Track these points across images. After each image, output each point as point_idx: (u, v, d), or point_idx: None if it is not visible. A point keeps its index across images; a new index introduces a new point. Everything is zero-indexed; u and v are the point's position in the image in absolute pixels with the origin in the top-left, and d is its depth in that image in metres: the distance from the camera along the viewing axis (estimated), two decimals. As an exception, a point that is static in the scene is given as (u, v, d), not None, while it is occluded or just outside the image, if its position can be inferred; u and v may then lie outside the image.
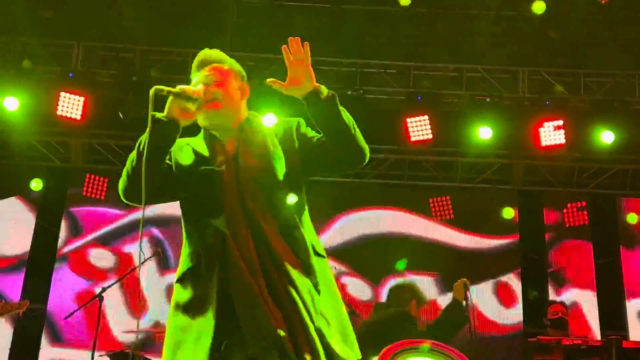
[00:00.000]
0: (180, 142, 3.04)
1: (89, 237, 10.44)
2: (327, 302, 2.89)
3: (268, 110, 9.36)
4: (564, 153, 10.16)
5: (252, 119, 3.15)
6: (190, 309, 2.85)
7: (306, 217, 3.05)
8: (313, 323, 2.75)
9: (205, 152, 3.03)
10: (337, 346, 2.77)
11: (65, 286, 10.10)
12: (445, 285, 10.06)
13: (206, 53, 3.21)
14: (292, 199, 2.97)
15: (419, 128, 9.85)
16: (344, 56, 10.70)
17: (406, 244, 10.52)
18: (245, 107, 3.18)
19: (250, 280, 2.77)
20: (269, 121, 3.22)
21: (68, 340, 9.86)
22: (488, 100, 10.13)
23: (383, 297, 10.07)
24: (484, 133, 9.86)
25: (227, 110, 3.07)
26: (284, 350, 2.68)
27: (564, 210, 10.61)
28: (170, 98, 2.93)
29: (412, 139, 9.87)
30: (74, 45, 10.24)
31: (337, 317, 2.90)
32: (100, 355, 7.22)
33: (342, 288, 9.96)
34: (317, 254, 2.98)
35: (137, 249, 10.07)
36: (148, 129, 2.85)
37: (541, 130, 9.81)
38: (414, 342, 3.81)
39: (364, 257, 10.43)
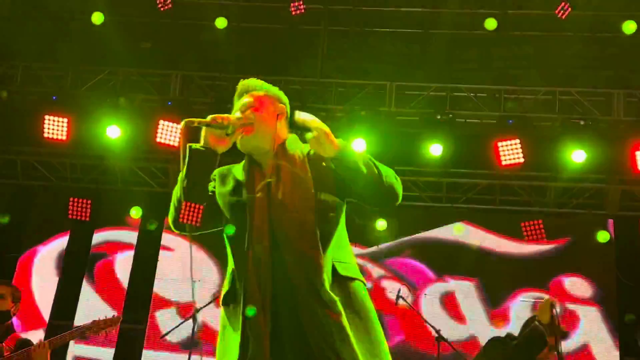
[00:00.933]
0: (224, 169, 3.15)
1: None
2: (351, 334, 2.79)
3: (357, 136, 9.51)
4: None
5: (290, 142, 3.12)
6: (225, 334, 2.97)
7: (341, 238, 3.01)
8: None
9: (242, 178, 3.07)
10: None
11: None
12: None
13: (244, 82, 3.29)
14: (322, 224, 2.92)
15: (510, 152, 9.77)
16: (433, 80, 10.75)
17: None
18: (284, 129, 3.17)
19: (260, 315, 2.81)
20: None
21: None
22: (582, 123, 9.94)
23: (423, 302, 10.04)
24: (577, 156, 9.67)
25: (262, 134, 3.08)
26: None
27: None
28: (204, 128, 3.02)
29: (503, 162, 9.78)
30: (172, 74, 10.65)
31: (365, 349, 2.81)
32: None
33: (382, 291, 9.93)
34: (348, 278, 2.92)
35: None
36: (186, 161, 2.95)
37: (638, 154, 9.55)
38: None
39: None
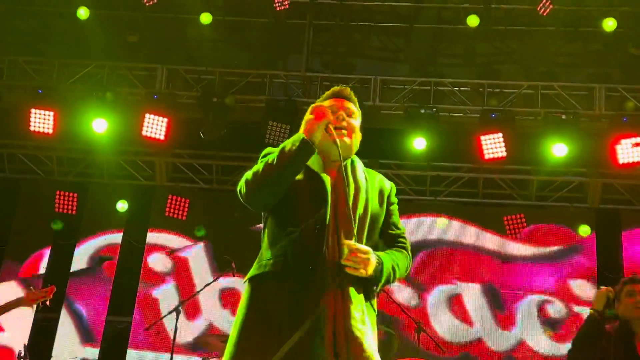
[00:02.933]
0: None
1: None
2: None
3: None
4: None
5: (357, 160, 3.26)
6: (261, 312, 3.00)
7: None
8: None
9: (315, 167, 3.11)
10: None
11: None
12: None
13: (341, 89, 3.31)
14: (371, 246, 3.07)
15: (493, 146, 9.87)
16: (417, 75, 10.85)
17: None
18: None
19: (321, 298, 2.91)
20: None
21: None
22: (564, 117, 10.04)
23: (430, 304, 10.14)
24: (559, 150, 9.79)
25: (350, 147, 3.20)
26: None
27: None
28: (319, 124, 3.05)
29: (486, 156, 9.89)
30: (158, 68, 10.70)
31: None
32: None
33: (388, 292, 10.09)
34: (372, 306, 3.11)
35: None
36: (296, 148, 2.99)
37: (618, 147, 9.68)
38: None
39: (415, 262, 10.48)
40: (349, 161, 3.19)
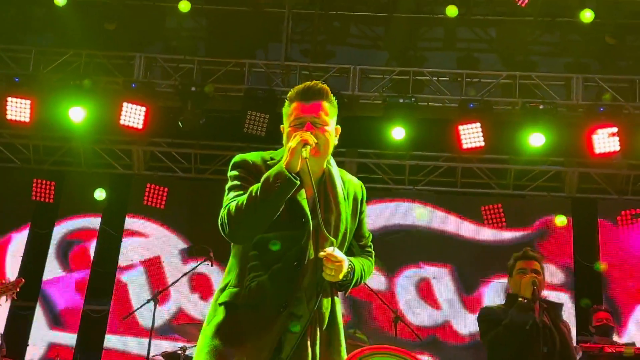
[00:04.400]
0: (266, 160, 3.14)
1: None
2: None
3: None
4: (619, 160, 10.10)
5: (332, 168, 3.17)
6: (232, 336, 3.01)
7: None
8: None
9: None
10: None
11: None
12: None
13: (317, 87, 3.12)
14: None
15: (471, 135, 9.92)
16: (396, 64, 10.87)
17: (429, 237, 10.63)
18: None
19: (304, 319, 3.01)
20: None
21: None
22: (541, 107, 10.11)
23: (398, 287, 10.21)
24: (536, 140, 9.85)
25: (323, 157, 3.10)
26: None
27: (618, 218, 10.51)
28: (297, 152, 2.94)
29: (464, 146, 9.94)
30: (136, 56, 10.64)
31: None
32: (154, 356, 7.54)
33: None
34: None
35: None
36: (279, 186, 2.88)
37: (595, 137, 9.77)
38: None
39: (384, 246, 10.49)
40: (326, 172, 3.13)
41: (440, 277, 10.45)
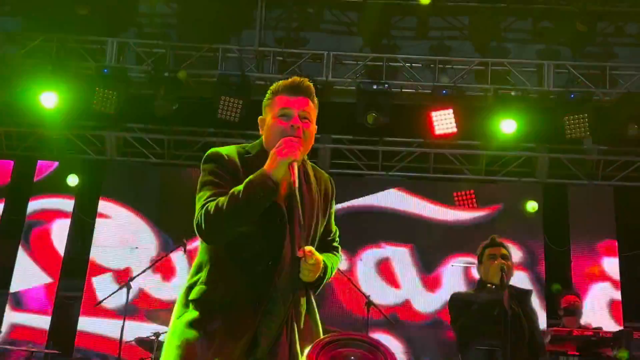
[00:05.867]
0: (241, 155, 3.10)
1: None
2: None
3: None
4: (589, 146, 10.24)
5: (307, 165, 3.20)
6: (206, 334, 2.99)
7: None
8: None
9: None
10: None
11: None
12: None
13: (304, 84, 3.14)
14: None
15: (444, 122, 9.99)
16: (369, 51, 10.90)
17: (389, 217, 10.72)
18: None
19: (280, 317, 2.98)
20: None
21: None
22: (513, 94, 10.20)
23: (359, 268, 10.34)
24: (508, 126, 9.95)
25: (304, 153, 3.08)
26: None
27: (587, 202, 10.66)
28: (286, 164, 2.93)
29: (437, 132, 10.01)
30: (109, 42, 10.56)
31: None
32: (129, 341, 7.56)
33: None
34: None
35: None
36: (265, 191, 2.88)
37: (565, 123, 9.87)
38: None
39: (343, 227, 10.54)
40: (302, 170, 3.11)
41: (400, 257, 10.56)
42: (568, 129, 9.87)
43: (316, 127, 3.16)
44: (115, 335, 7.83)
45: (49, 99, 9.89)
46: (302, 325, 3.02)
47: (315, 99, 3.16)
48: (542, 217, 10.68)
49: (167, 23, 11.42)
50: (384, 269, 10.54)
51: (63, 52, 10.47)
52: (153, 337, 7.13)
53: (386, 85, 10.21)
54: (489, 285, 5.02)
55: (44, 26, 10.53)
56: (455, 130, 9.97)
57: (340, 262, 3.31)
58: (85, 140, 10.91)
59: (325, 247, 3.25)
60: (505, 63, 10.62)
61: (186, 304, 3.00)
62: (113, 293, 7.95)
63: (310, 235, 3.09)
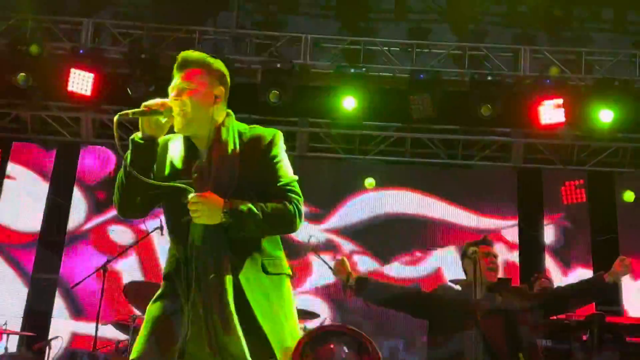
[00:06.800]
0: (162, 148, 3.12)
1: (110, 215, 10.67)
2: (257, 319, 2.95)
3: (272, 88, 9.62)
4: (564, 131, 10.34)
5: (226, 126, 3.12)
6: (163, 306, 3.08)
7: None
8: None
9: (179, 164, 3.10)
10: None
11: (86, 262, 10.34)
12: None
13: (186, 55, 3.15)
14: None
15: (422, 106, 10.01)
16: (347, 34, 10.89)
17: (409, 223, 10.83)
18: (220, 111, 3.14)
19: (198, 299, 2.95)
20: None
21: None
22: (489, 78, 10.24)
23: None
24: (484, 111, 10.00)
25: (196, 120, 3.05)
26: None
27: (562, 188, 10.79)
28: (140, 118, 3.01)
29: (415, 116, 10.05)
30: (84, 22, 10.45)
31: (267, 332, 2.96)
32: (104, 324, 7.55)
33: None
34: (275, 274, 3.08)
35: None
36: (129, 152, 3.01)
37: (541, 108, 9.95)
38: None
39: (372, 236, 10.71)
40: (211, 132, 3.09)
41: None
42: (543, 114, 9.94)
43: (221, 88, 3.14)
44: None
45: (24, 80, 9.76)
46: (228, 299, 2.91)
47: (208, 64, 3.13)
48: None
49: (143, 4, 11.30)
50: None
51: (38, 33, 10.31)
52: (130, 321, 7.11)
53: (364, 69, 10.21)
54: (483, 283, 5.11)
55: (19, 6, 10.37)
56: (433, 114, 10.01)
57: (296, 210, 3.05)
58: (61, 122, 10.81)
59: (272, 197, 3.05)
60: (482, 47, 10.65)
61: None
62: (88, 276, 7.91)
63: (231, 190, 2.98)
